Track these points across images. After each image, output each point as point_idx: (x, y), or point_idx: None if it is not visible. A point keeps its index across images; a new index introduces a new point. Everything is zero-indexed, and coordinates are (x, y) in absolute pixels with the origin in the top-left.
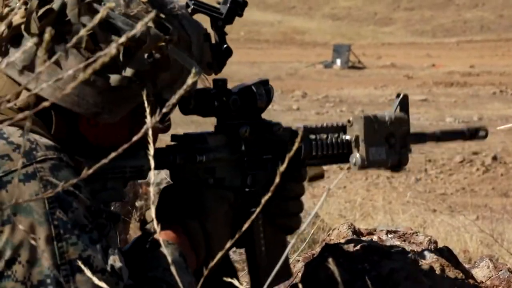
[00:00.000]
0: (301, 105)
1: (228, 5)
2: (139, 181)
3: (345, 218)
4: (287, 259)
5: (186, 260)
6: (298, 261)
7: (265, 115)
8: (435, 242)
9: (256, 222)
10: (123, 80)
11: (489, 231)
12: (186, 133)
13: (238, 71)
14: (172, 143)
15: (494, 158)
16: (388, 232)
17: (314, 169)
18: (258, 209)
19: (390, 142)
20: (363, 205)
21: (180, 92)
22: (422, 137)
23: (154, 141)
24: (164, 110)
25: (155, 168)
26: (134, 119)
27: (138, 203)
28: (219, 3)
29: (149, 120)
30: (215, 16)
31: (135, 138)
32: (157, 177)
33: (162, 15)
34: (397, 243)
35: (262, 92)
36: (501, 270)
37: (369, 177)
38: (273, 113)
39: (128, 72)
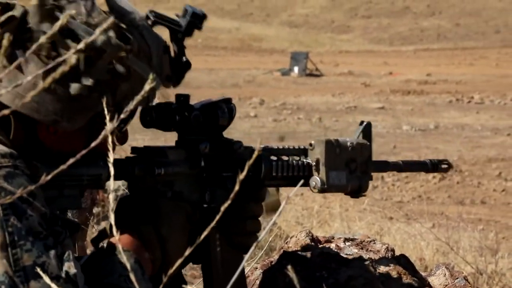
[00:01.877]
0: (259, 112)
1: (188, 18)
2: None
3: (302, 226)
4: (243, 278)
5: (142, 266)
6: (256, 268)
7: None
8: (393, 250)
9: (213, 239)
10: (83, 89)
11: (445, 239)
12: (146, 146)
13: (195, 78)
14: (132, 155)
15: None
16: (345, 239)
17: (273, 202)
18: (212, 223)
19: (351, 168)
20: (320, 213)
21: (138, 98)
22: (385, 166)
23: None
24: (122, 116)
25: (114, 179)
26: (93, 128)
27: (95, 210)
28: (178, 16)
29: (108, 126)
30: (174, 29)
31: (93, 144)
32: (115, 184)
33: (123, 25)
34: (355, 250)
35: (224, 110)
36: (457, 278)
37: None
38: None
39: (88, 81)
